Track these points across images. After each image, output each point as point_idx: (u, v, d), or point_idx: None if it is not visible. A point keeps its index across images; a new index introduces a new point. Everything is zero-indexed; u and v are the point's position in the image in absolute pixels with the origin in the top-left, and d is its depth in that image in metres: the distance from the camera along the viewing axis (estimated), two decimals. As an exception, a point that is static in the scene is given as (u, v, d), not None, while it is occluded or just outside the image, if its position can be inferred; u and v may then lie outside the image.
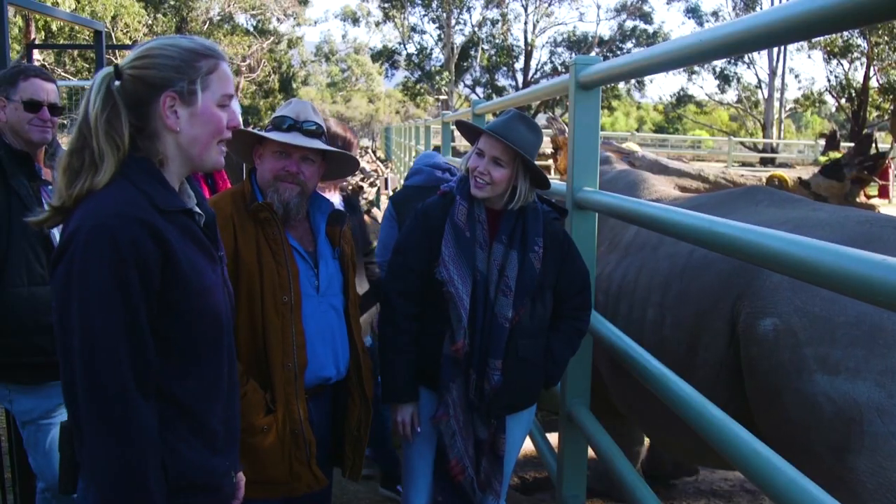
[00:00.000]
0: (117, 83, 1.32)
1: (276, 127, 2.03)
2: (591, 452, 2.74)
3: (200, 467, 1.36)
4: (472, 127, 2.25)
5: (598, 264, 2.91)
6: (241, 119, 1.48)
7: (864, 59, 25.93)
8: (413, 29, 37.52)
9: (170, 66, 1.33)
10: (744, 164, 21.12)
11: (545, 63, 36.74)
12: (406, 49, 37.57)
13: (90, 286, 1.22)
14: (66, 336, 1.24)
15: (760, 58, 31.45)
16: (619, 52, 33.84)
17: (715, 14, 33.43)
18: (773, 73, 30.22)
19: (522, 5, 35.80)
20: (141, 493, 1.23)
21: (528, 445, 3.83)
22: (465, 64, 36.81)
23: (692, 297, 2.36)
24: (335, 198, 2.81)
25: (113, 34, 20.53)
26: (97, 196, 1.28)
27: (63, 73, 20.61)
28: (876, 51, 24.90)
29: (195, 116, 1.36)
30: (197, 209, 1.43)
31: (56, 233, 2.35)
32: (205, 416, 1.37)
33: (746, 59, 31.22)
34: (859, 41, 25.50)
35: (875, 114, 26.37)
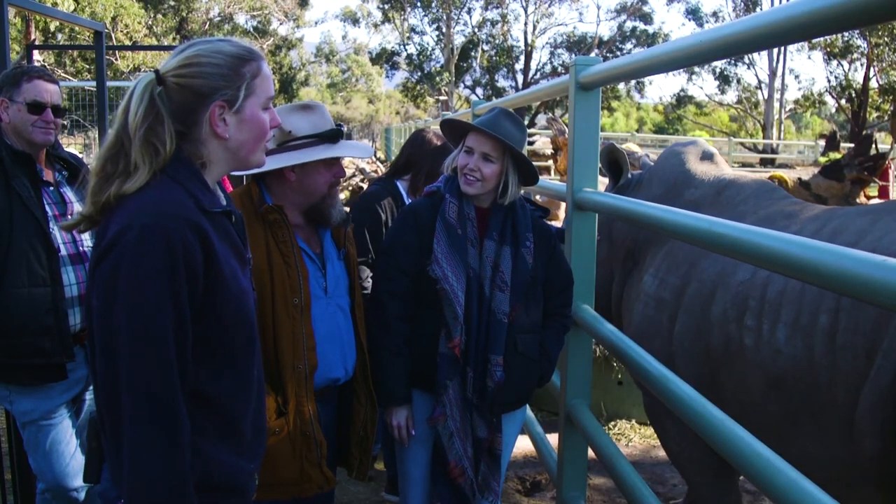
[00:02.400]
0: (159, 89, 1.31)
1: (328, 139, 2.02)
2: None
3: (227, 469, 1.35)
4: (458, 124, 2.25)
5: (751, 268, 2.61)
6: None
7: (864, 60, 25.92)
8: (413, 30, 37.54)
9: (217, 74, 1.33)
10: (744, 165, 21.10)
11: (545, 64, 36.77)
12: (406, 50, 37.58)
13: (142, 286, 1.20)
14: (110, 335, 1.22)
15: (760, 58, 31.48)
16: (619, 53, 33.84)
17: (715, 15, 33.44)
18: (773, 74, 30.21)
19: (522, 6, 35.83)
20: (182, 490, 1.24)
21: (528, 445, 3.82)
22: (464, 65, 36.81)
23: None
24: None
25: (113, 35, 20.53)
26: (145, 194, 1.26)
27: (63, 74, 20.60)
28: (876, 51, 24.88)
29: (243, 122, 1.37)
30: (236, 210, 1.44)
31: (56, 234, 2.35)
32: (235, 418, 1.37)
33: (746, 59, 31.22)
34: (859, 42, 25.49)
35: (875, 114, 26.34)
